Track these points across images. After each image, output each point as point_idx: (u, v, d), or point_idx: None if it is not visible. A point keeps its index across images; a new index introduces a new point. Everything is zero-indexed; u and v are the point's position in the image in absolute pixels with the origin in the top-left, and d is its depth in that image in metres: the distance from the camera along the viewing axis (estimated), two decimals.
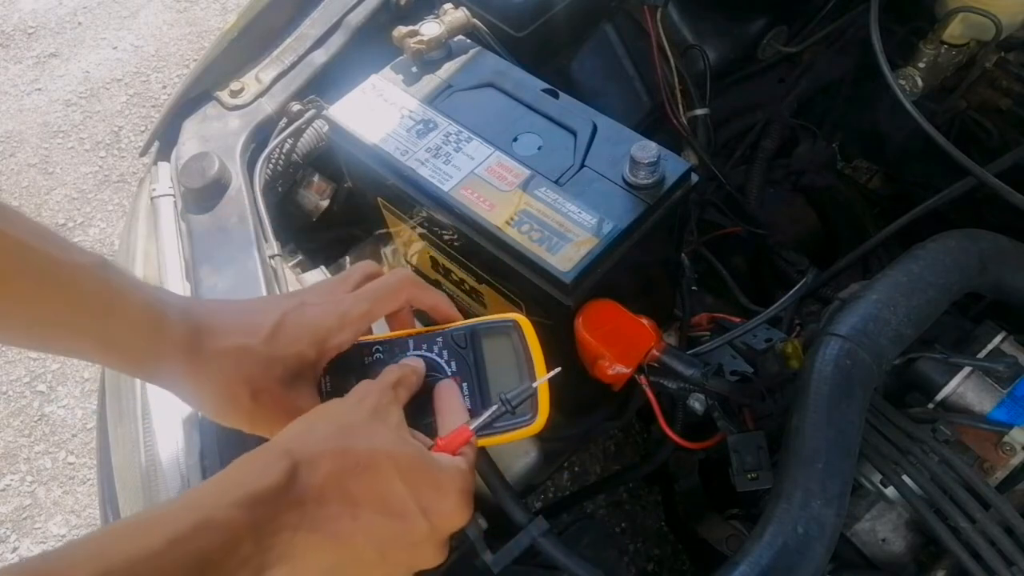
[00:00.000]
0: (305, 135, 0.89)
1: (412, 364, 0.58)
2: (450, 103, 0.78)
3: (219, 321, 0.54)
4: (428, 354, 0.60)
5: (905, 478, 0.67)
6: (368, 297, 0.59)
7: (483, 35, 0.88)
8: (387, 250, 0.92)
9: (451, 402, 0.57)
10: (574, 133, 0.74)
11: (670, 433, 0.73)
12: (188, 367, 0.53)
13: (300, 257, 0.90)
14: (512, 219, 0.68)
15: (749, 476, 0.69)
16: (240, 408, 0.54)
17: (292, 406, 0.54)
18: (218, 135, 0.88)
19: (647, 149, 0.68)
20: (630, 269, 0.71)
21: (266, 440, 0.49)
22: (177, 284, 0.80)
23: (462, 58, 0.83)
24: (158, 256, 0.83)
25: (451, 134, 0.75)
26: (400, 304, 0.61)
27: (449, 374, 0.60)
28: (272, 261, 0.80)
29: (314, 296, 0.59)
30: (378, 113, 0.77)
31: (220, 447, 0.67)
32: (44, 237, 0.47)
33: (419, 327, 0.64)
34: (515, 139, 0.74)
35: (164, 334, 0.51)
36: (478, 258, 0.72)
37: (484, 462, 0.66)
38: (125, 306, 0.50)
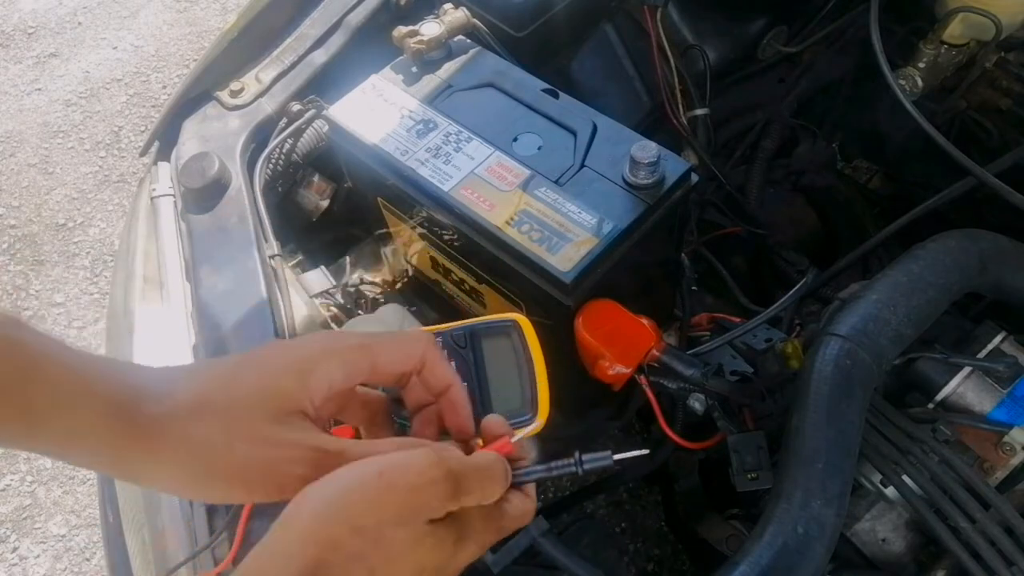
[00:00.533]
0: (305, 135, 0.89)
1: (505, 465, 0.46)
2: (450, 103, 0.78)
3: (157, 378, 0.43)
4: None
5: (905, 478, 0.67)
6: (372, 337, 0.47)
7: (483, 35, 0.88)
8: (387, 250, 0.92)
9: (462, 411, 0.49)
10: (574, 133, 0.74)
11: (670, 433, 0.73)
12: (128, 448, 0.40)
13: (300, 257, 0.90)
14: (512, 219, 0.68)
15: (749, 476, 0.69)
16: (218, 461, 0.41)
17: (279, 431, 0.42)
18: (218, 135, 0.88)
19: (647, 149, 0.68)
20: (630, 269, 0.71)
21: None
22: (177, 284, 0.80)
23: (462, 58, 0.82)
24: (158, 256, 0.83)
25: (451, 134, 0.75)
26: (412, 362, 0.47)
27: None
28: (272, 261, 0.80)
29: (303, 337, 0.48)
30: (378, 113, 0.77)
31: None
32: None
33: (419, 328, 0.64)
34: (515, 139, 0.74)
35: (99, 402, 0.40)
36: (478, 258, 0.72)
37: None
38: (47, 374, 0.39)
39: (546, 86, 0.78)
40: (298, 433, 0.42)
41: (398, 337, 0.48)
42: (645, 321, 0.70)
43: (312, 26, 0.94)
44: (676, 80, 1.07)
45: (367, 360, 0.45)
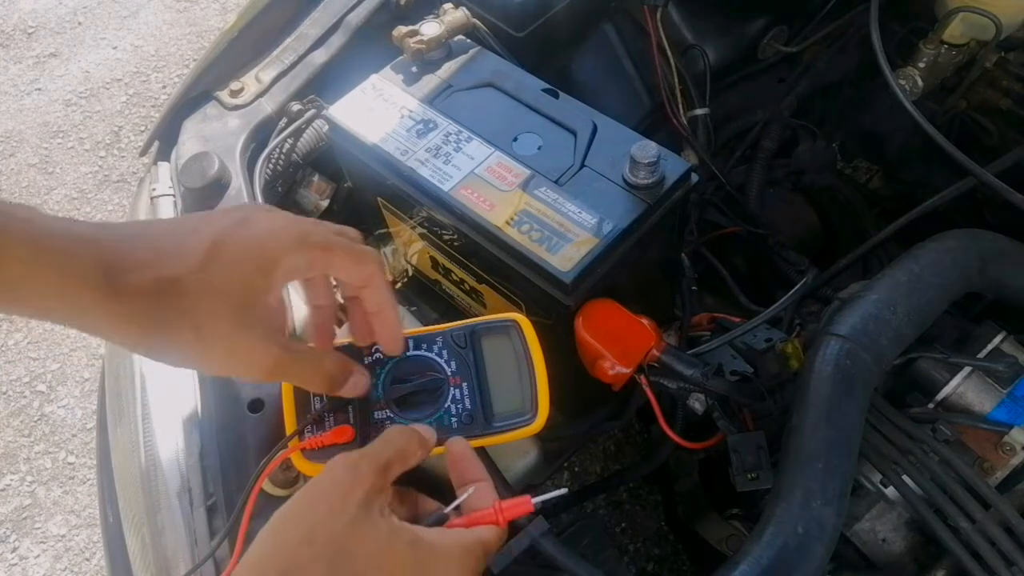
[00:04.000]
0: (305, 135, 0.89)
1: (419, 435, 0.52)
2: (450, 103, 0.78)
3: (136, 250, 0.44)
4: (427, 354, 0.60)
5: (905, 478, 0.67)
6: (335, 229, 0.52)
7: (483, 35, 0.88)
8: (387, 250, 0.92)
9: (470, 467, 0.53)
10: (574, 133, 0.74)
11: (670, 433, 0.73)
12: (110, 311, 0.43)
13: None
14: (512, 219, 0.68)
15: (749, 476, 0.69)
16: (186, 348, 0.45)
17: (244, 347, 0.47)
18: (218, 135, 0.88)
19: (647, 149, 0.68)
20: (630, 269, 0.71)
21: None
22: None
23: (462, 58, 0.82)
24: None
25: (451, 134, 0.75)
26: (361, 279, 0.53)
27: (449, 374, 0.60)
28: None
29: (262, 211, 0.50)
30: (378, 113, 0.77)
31: (220, 447, 0.67)
32: None
33: (419, 327, 0.64)
34: (515, 139, 0.74)
35: (69, 276, 0.41)
36: (478, 258, 0.72)
37: (484, 463, 0.66)
38: (13, 246, 0.40)
39: (546, 86, 0.78)
40: (262, 336, 0.47)
41: (356, 252, 0.52)
42: (645, 321, 0.70)
43: (312, 26, 0.94)
44: (676, 80, 1.07)
45: (325, 263, 0.51)
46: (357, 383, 0.55)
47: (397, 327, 0.56)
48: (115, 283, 0.42)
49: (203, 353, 0.46)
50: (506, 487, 0.67)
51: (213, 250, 0.45)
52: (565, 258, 0.65)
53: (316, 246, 0.49)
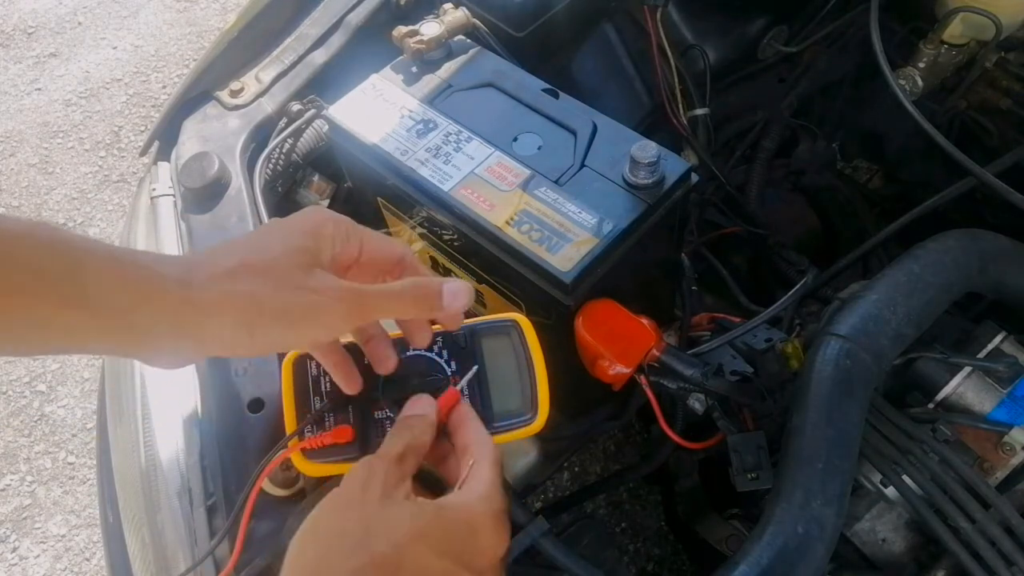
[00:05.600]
0: (305, 135, 0.89)
1: (421, 421, 0.53)
2: (450, 103, 0.78)
3: (207, 252, 0.48)
4: (428, 353, 0.60)
5: (905, 478, 0.67)
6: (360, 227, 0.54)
7: (483, 35, 0.88)
8: None
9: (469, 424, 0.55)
10: (574, 133, 0.74)
11: (670, 433, 0.73)
12: (188, 308, 0.45)
13: None
14: (512, 219, 0.68)
15: (749, 476, 0.69)
16: (267, 315, 0.47)
17: (317, 285, 0.48)
18: (218, 135, 0.88)
19: (647, 149, 0.68)
20: (630, 269, 0.71)
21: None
22: None
23: (462, 58, 0.83)
24: None
25: (451, 134, 0.75)
26: (393, 257, 0.55)
27: (449, 374, 0.60)
28: None
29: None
30: (378, 113, 0.77)
31: (220, 447, 0.67)
32: None
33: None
34: (515, 139, 0.74)
35: (154, 277, 0.44)
36: (478, 258, 0.72)
37: None
38: (96, 260, 0.42)
39: (546, 86, 0.78)
40: (330, 280, 0.49)
41: (382, 235, 0.55)
42: (645, 321, 0.70)
43: (312, 26, 0.94)
44: (676, 80, 1.07)
45: (358, 238, 0.53)
46: (458, 292, 0.53)
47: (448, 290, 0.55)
48: (194, 272, 0.45)
49: (287, 316, 0.47)
50: (506, 487, 0.67)
51: (267, 234, 0.51)
52: (565, 258, 0.65)
53: (347, 221, 0.53)
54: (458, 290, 0.53)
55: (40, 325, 0.42)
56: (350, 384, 0.56)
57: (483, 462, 0.51)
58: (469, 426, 0.54)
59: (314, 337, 0.51)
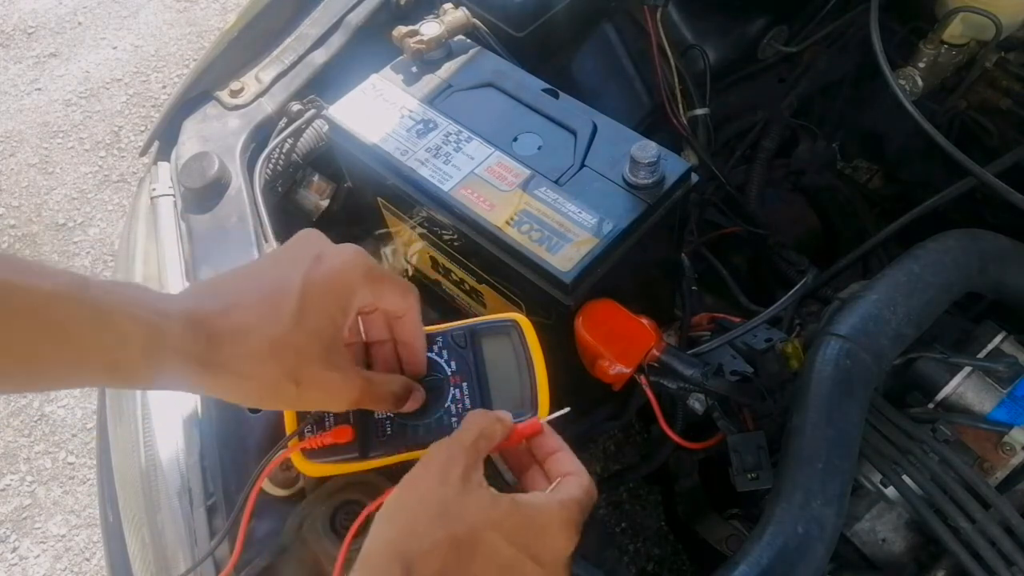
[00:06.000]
0: (305, 135, 0.88)
1: (497, 415, 0.55)
2: (450, 103, 0.78)
3: (232, 321, 0.48)
4: (428, 354, 0.60)
5: (905, 478, 0.67)
6: (380, 273, 0.55)
7: (483, 35, 0.88)
8: (387, 250, 0.92)
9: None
10: (574, 133, 0.74)
11: (670, 433, 0.73)
12: (208, 379, 0.48)
13: None
14: (512, 219, 0.68)
15: (749, 476, 0.69)
16: (285, 399, 0.51)
17: (335, 386, 0.52)
18: (218, 135, 0.88)
19: (647, 149, 0.68)
20: (630, 269, 0.71)
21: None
22: (177, 284, 0.80)
23: (462, 58, 0.83)
24: (158, 256, 0.83)
25: (451, 134, 0.75)
26: (402, 310, 0.57)
27: (449, 374, 0.60)
28: None
29: (327, 243, 0.54)
30: (378, 113, 0.77)
31: (220, 447, 0.67)
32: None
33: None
34: (515, 139, 0.74)
35: (166, 351, 0.46)
36: (478, 258, 0.72)
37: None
38: (116, 327, 0.45)
39: (546, 86, 0.78)
40: (347, 372, 0.52)
41: (401, 283, 0.56)
42: (645, 321, 0.70)
43: (312, 26, 0.94)
44: (676, 80, 1.07)
45: (380, 293, 0.54)
46: (416, 398, 0.58)
47: (424, 358, 0.60)
48: (214, 353, 0.47)
49: (300, 399, 0.51)
50: (507, 484, 0.67)
51: (303, 301, 0.49)
52: (565, 258, 0.65)
53: (378, 278, 0.53)
54: (416, 398, 0.57)
55: (60, 380, 0.46)
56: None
57: (574, 485, 0.52)
58: (565, 456, 0.55)
59: (319, 408, 0.55)
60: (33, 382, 0.47)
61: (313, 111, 0.88)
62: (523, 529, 0.48)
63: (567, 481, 0.52)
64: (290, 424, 0.58)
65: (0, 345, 0.42)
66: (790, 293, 0.83)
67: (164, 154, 0.92)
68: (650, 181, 0.68)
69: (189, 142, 0.88)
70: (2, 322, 0.41)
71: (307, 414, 0.57)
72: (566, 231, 0.67)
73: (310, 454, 0.56)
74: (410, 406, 0.57)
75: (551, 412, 0.58)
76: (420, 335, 0.58)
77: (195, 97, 0.92)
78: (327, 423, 0.57)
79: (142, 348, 0.45)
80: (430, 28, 0.82)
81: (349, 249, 0.54)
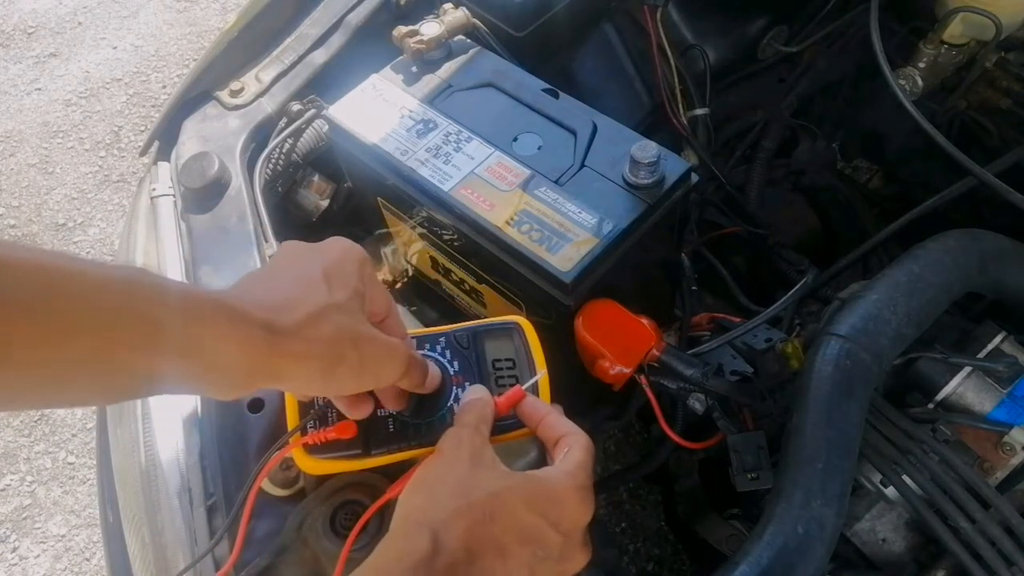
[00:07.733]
0: (305, 135, 0.89)
1: (481, 397, 0.57)
2: (450, 103, 0.78)
3: (277, 303, 0.48)
4: (431, 354, 0.60)
5: (905, 478, 0.67)
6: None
7: (483, 35, 0.88)
8: (387, 250, 0.92)
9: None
10: (574, 133, 0.74)
11: (670, 433, 0.73)
12: (272, 367, 0.46)
13: None
14: (512, 219, 0.68)
15: (749, 476, 0.69)
16: (347, 367, 0.49)
17: (386, 337, 0.51)
18: (218, 135, 0.88)
19: (647, 149, 0.68)
20: (630, 269, 0.71)
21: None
22: None
23: (462, 58, 0.83)
24: (158, 256, 0.83)
25: (451, 134, 0.75)
26: (384, 310, 0.57)
27: (451, 374, 0.60)
28: None
29: (314, 243, 0.56)
30: (378, 113, 0.77)
31: (220, 447, 0.67)
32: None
33: (421, 328, 0.64)
34: (515, 139, 0.74)
35: (240, 321, 0.45)
36: (478, 258, 0.72)
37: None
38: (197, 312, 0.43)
39: (546, 86, 0.78)
40: (381, 334, 0.52)
41: (380, 283, 0.57)
42: (645, 321, 0.70)
43: (312, 26, 0.94)
44: (676, 80, 1.07)
45: (368, 280, 0.54)
46: (435, 375, 0.59)
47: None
48: (275, 321, 0.46)
49: (362, 366, 0.50)
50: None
51: (327, 277, 0.51)
52: (565, 258, 0.65)
53: (369, 262, 0.56)
54: (435, 375, 0.58)
55: (128, 373, 0.42)
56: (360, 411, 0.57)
57: (576, 448, 0.54)
58: (554, 419, 0.57)
59: (371, 386, 0.54)
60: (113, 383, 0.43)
61: (313, 111, 0.88)
62: (541, 498, 0.50)
63: (571, 453, 0.54)
64: (292, 420, 0.58)
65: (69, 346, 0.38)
66: (790, 293, 0.83)
67: (164, 154, 0.92)
68: (650, 181, 0.68)
69: (189, 142, 0.88)
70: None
71: (310, 408, 0.57)
72: (566, 231, 0.67)
73: (312, 450, 0.56)
74: (429, 385, 0.58)
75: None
76: (405, 335, 0.59)
77: (195, 97, 0.92)
78: (330, 419, 0.57)
79: (232, 333, 0.44)
80: (430, 28, 0.82)
81: (337, 237, 0.56)
